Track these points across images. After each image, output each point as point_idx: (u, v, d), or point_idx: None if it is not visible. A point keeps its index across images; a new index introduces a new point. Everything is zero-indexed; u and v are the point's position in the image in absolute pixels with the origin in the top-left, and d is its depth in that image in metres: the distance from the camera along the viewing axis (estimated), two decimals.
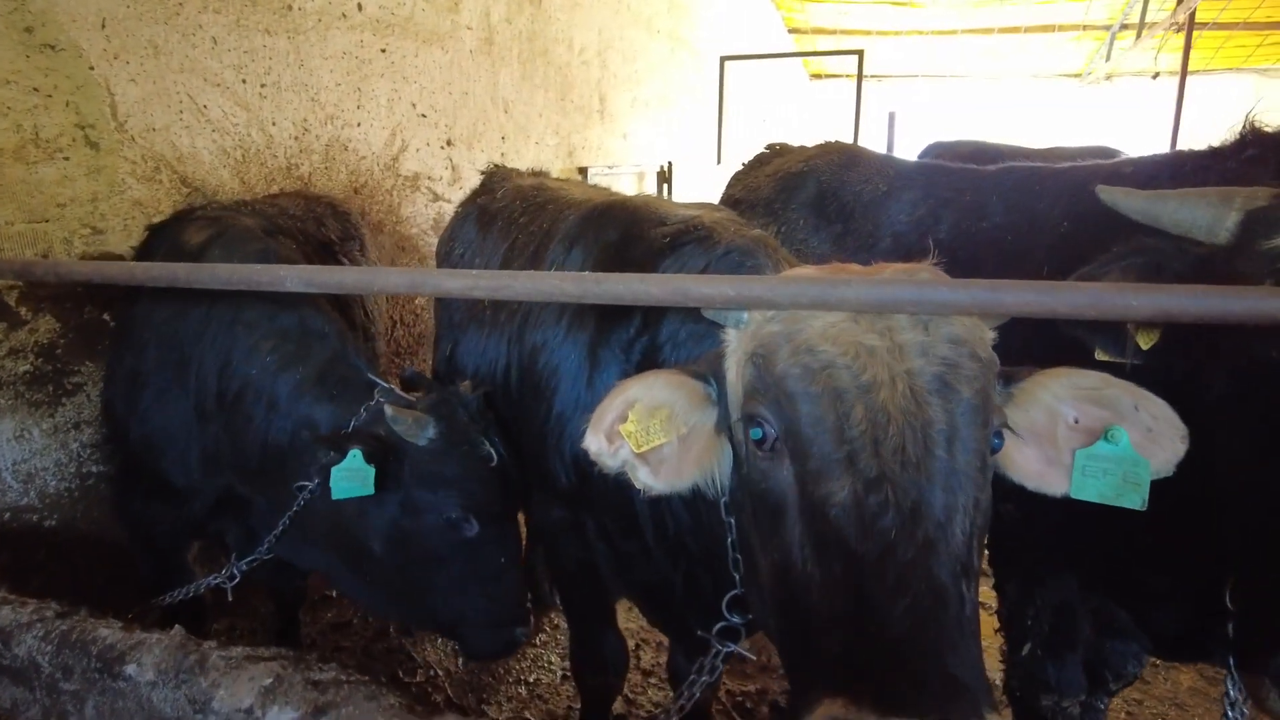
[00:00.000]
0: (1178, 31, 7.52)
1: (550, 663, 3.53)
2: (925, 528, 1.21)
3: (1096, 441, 1.42)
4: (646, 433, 1.46)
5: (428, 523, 2.36)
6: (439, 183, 5.07)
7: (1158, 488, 1.40)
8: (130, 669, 1.59)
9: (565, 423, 2.25)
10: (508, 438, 2.51)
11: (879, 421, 1.26)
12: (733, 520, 1.63)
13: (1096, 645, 2.44)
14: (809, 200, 3.31)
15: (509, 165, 3.93)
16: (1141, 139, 10.59)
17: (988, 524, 1.36)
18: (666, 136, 8.46)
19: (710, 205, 2.52)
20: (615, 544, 2.29)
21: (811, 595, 1.27)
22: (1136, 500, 1.39)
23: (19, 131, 2.80)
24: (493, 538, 2.43)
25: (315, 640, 3.58)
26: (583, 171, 6.67)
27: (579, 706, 2.93)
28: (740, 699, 3.28)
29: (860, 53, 8.76)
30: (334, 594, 3.83)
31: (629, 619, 3.61)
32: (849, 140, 4.23)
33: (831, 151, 3.54)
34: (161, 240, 2.87)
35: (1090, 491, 1.42)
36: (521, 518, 2.79)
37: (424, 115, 4.88)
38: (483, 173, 3.72)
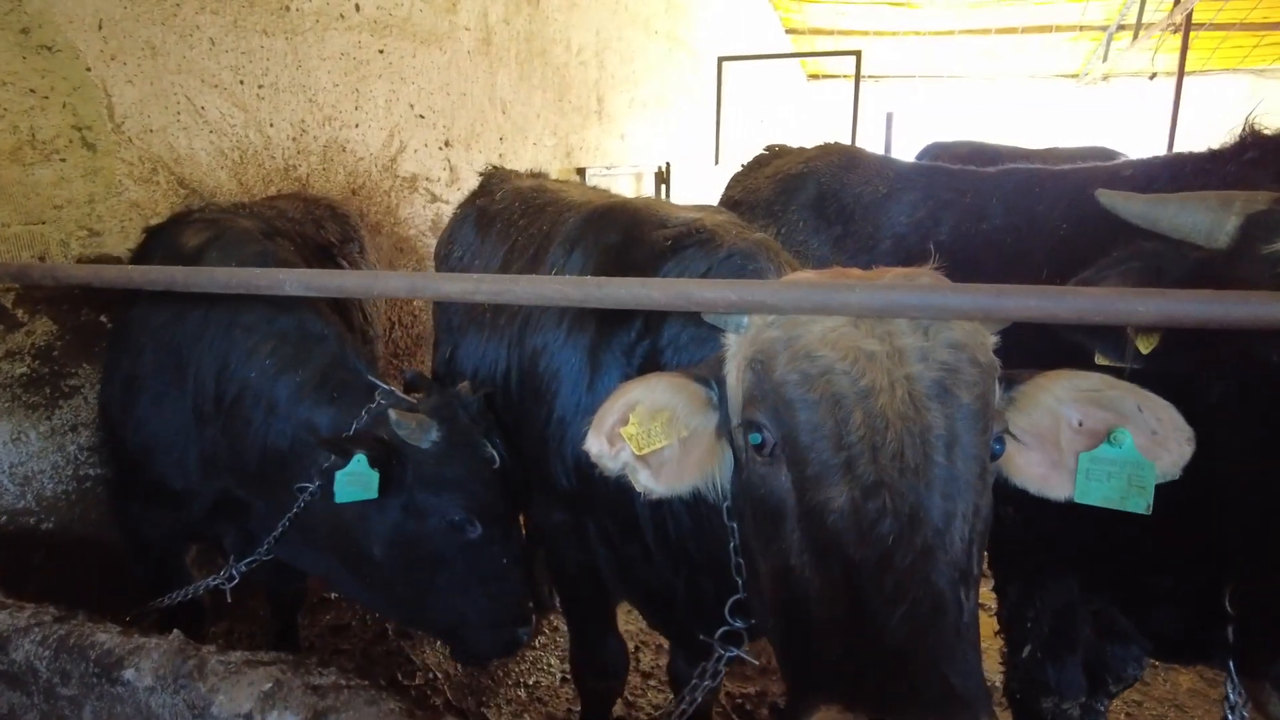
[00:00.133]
0: (1174, 32, 7.54)
1: (550, 665, 3.53)
2: (923, 534, 1.20)
3: (1100, 444, 1.40)
4: (648, 435, 1.45)
5: (430, 525, 2.35)
6: (437, 184, 5.06)
7: (1158, 491, 1.39)
8: (128, 674, 1.58)
9: (566, 426, 2.25)
10: (508, 439, 2.51)
11: (877, 427, 1.25)
12: (735, 524, 1.62)
13: (1096, 647, 2.44)
14: (809, 202, 3.30)
15: (507, 166, 3.92)
16: (1138, 139, 10.63)
17: (988, 530, 1.35)
18: (664, 137, 8.45)
19: (711, 207, 2.52)
20: (616, 547, 2.28)
21: (809, 601, 1.27)
22: (1141, 504, 1.37)
23: (15, 133, 2.79)
24: (495, 539, 2.42)
25: (314, 643, 3.57)
26: (580, 172, 6.66)
27: (579, 709, 2.93)
28: (740, 701, 3.28)
29: (858, 53, 8.76)
30: (333, 596, 3.82)
31: (628, 621, 3.61)
32: (847, 141, 4.22)
33: (831, 153, 3.54)
34: (159, 243, 2.86)
35: (1094, 495, 1.40)
36: (521, 518, 2.78)
37: (422, 116, 4.87)
38: (481, 174, 3.70)
